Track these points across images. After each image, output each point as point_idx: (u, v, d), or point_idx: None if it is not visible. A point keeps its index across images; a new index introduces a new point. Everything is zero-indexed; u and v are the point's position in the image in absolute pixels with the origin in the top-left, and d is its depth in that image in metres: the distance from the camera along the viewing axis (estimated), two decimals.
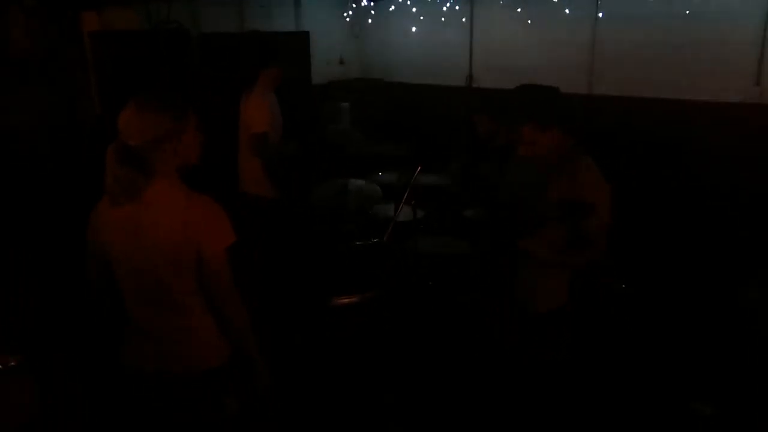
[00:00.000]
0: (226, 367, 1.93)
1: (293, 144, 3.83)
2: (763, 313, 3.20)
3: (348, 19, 6.41)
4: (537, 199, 2.31)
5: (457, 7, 5.62)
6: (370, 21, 6.28)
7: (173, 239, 1.74)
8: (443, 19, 5.77)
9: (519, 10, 5.21)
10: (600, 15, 4.79)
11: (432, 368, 3.16)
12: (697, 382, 3.00)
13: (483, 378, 2.79)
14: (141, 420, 1.98)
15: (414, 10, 5.83)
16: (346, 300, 3.27)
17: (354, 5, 6.20)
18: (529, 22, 5.20)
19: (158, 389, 1.92)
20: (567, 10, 4.85)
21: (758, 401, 2.80)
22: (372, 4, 6.13)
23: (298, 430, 2.83)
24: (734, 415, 2.78)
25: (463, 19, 5.73)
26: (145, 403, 1.96)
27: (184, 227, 1.74)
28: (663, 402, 2.93)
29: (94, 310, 1.99)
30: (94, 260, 1.87)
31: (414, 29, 5.99)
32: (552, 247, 2.29)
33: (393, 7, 5.98)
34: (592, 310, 3.54)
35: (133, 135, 1.69)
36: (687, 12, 4.32)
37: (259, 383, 1.99)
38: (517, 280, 2.45)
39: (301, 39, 5.47)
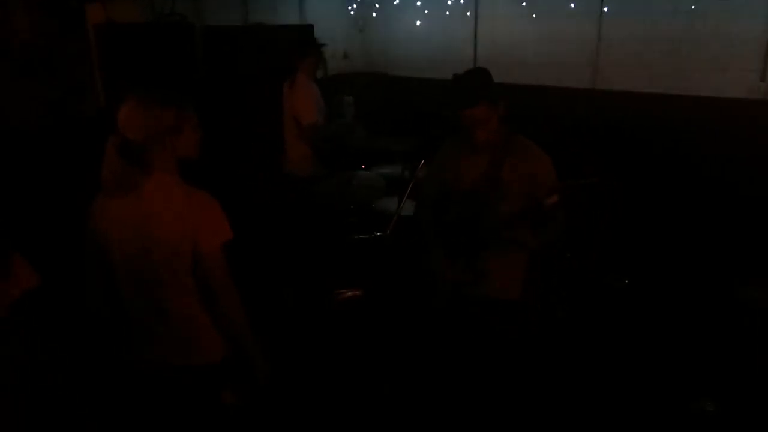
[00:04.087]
0: (224, 361, 1.94)
1: (336, 125, 4.36)
2: (764, 311, 3.20)
3: (352, 13, 6.39)
4: (493, 192, 2.34)
5: (461, 1, 5.61)
6: (374, 15, 6.26)
7: (170, 234, 1.75)
8: (447, 13, 5.75)
9: (524, 4, 5.19)
10: (605, 10, 4.77)
11: (431, 362, 3.17)
12: (698, 379, 3.01)
13: (481, 371, 2.80)
14: (139, 413, 1.99)
15: (418, 4, 5.81)
16: (349, 293, 3.28)
17: None
18: (533, 16, 5.18)
19: (156, 383, 1.93)
20: (572, 5, 4.84)
21: (759, 399, 2.80)
22: None
23: (297, 422, 2.84)
24: (736, 413, 2.79)
25: (468, 13, 5.71)
26: (144, 396, 1.97)
27: (182, 222, 1.75)
28: (665, 399, 2.94)
29: (93, 304, 1.99)
30: (93, 253, 1.88)
31: (418, 23, 5.98)
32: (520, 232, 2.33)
33: (397, 1, 5.97)
34: (593, 306, 3.54)
35: (134, 130, 1.70)
36: (692, 7, 4.31)
37: (257, 377, 1.99)
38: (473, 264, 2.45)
39: (305, 32, 5.46)
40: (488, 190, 2.35)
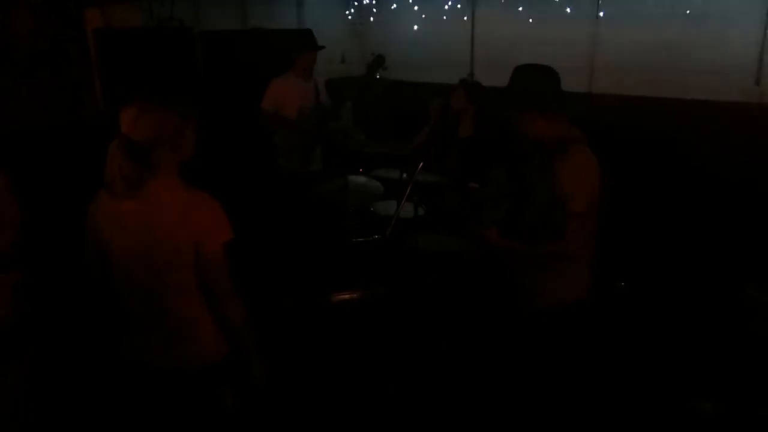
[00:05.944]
0: (224, 361, 1.95)
1: (330, 125, 4.49)
2: (762, 312, 3.21)
3: (350, 17, 6.42)
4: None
5: (458, 6, 5.64)
6: (371, 19, 6.30)
7: (172, 234, 1.76)
8: (445, 17, 5.79)
9: (520, 8, 5.23)
10: (601, 14, 4.81)
11: (432, 366, 3.18)
12: (697, 380, 3.02)
13: (484, 373, 2.81)
14: (139, 412, 2.00)
15: (416, 8, 5.84)
16: (347, 296, 3.28)
17: (356, 3, 6.22)
18: (530, 20, 5.21)
19: (156, 382, 1.94)
20: (568, 9, 4.87)
21: (757, 399, 2.82)
22: (374, 2, 6.15)
23: (296, 424, 2.84)
24: (734, 413, 2.80)
25: (465, 18, 5.75)
26: (143, 395, 1.97)
27: (184, 222, 1.77)
28: (662, 400, 2.95)
29: (93, 304, 2.00)
30: (93, 254, 1.89)
31: (415, 27, 6.01)
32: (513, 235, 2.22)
33: (395, 5, 6.00)
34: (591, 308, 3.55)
35: (140, 131, 1.72)
36: (687, 11, 4.34)
37: (256, 378, 2.01)
38: (513, 273, 2.39)
39: (303, 37, 5.47)
40: (521, 191, 2.30)
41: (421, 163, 3.14)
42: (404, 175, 3.62)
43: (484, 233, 2.28)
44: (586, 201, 2.15)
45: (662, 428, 2.83)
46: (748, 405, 2.81)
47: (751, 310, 3.29)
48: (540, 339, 2.39)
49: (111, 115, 1.79)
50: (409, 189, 3.14)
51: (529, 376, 2.48)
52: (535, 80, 2.32)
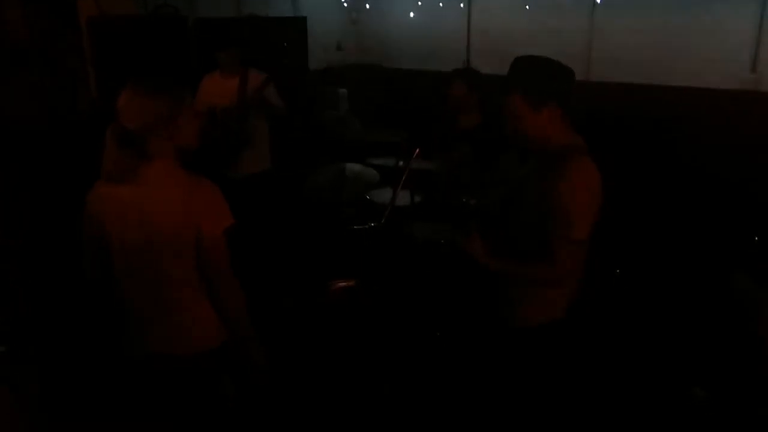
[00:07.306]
0: (223, 348, 1.96)
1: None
2: (750, 299, 3.23)
3: (346, 5, 6.39)
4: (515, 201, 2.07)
5: None
6: (367, 6, 6.26)
7: (172, 221, 1.76)
8: (441, 4, 5.76)
9: None
10: (598, 1, 4.79)
11: (427, 355, 3.20)
12: (691, 367, 3.04)
13: (478, 365, 2.82)
14: (139, 401, 2.01)
15: None
16: (343, 284, 3.29)
17: None
18: (527, 7, 5.19)
19: (156, 371, 1.94)
20: None
21: (747, 384, 2.84)
22: None
23: (294, 412, 2.86)
24: (727, 398, 2.83)
25: (461, 5, 5.72)
26: (143, 384, 1.98)
27: (184, 209, 1.76)
28: (657, 386, 2.97)
29: (92, 294, 2.00)
30: (91, 242, 1.89)
31: (411, 15, 5.98)
32: (503, 253, 2.03)
33: None
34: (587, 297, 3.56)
35: (131, 118, 1.71)
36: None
37: (255, 365, 2.01)
38: (496, 290, 2.23)
39: (299, 24, 5.45)
40: (513, 196, 2.14)
41: (417, 150, 3.14)
42: (400, 163, 3.62)
43: (468, 246, 2.08)
44: (588, 226, 1.92)
45: (656, 414, 2.85)
46: (741, 392, 2.83)
47: (744, 300, 3.30)
48: (523, 350, 2.24)
49: (105, 104, 1.77)
50: (404, 177, 3.14)
51: (520, 374, 2.45)
52: (551, 76, 1.97)
